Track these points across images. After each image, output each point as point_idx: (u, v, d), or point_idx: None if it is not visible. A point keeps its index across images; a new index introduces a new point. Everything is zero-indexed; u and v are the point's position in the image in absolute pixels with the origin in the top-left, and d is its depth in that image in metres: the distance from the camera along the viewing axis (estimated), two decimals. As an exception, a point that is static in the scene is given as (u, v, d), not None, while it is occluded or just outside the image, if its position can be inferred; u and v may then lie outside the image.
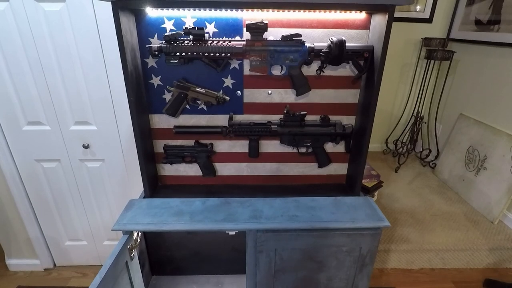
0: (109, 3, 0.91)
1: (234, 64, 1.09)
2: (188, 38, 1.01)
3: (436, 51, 2.41)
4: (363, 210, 1.07)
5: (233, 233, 1.25)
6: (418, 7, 2.65)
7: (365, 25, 1.07)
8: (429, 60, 2.53)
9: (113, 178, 1.63)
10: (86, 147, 1.53)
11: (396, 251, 1.85)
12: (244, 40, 1.03)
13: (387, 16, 0.93)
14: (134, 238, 1.03)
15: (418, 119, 2.69)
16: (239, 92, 1.14)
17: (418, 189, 2.45)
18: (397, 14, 2.61)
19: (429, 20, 2.67)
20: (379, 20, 0.99)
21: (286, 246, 1.03)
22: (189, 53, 1.01)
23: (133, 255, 1.02)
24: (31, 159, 1.56)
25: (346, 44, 1.02)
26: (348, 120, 1.21)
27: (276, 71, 1.10)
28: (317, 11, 1.03)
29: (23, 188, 1.63)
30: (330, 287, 1.13)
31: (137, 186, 1.63)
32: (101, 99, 1.44)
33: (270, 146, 1.24)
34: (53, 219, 1.73)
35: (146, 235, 1.24)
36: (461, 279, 1.80)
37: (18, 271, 1.86)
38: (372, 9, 1.01)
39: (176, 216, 1.03)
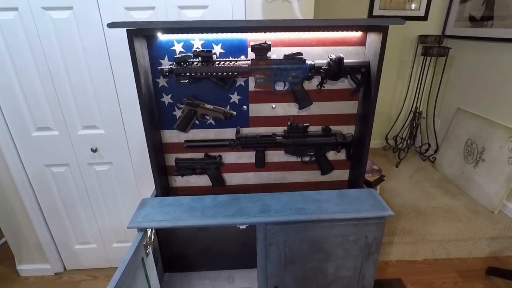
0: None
1: (240, 81, 1.16)
2: (197, 60, 1.08)
3: (432, 48, 2.46)
4: (367, 201, 1.11)
5: (243, 227, 1.28)
6: (413, 5, 2.71)
7: (362, 42, 1.13)
8: (425, 57, 2.59)
9: (121, 180, 1.66)
10: (94, 150, 1.56)
11: (399, 243, 1.89)
12: (249, 60, 1.10)
13: (381, 35, 1.00)
14: (148, 236, 1.06)
15: (417, 114, 2.74)
16: (245, 107, 1.20)
17: (419, 183, 2.49)
18: (393, 13, 2.69)
19: (424, 18, 2.73)
20: (374, 38, 1.06)
21: (295, 238, 1.07)
22: (198, 73, 1.08)
23: (148, 251, 1.06)
24: (40, 164, 1.59)
25: (344, 61, 1.09)
26: (348, 130, 1.27)
27: (280, 87, 1.16)
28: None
29: (33, 193, 1.66)
30: (338, 276, 1.17)
31: (145, 188, 1.67)
32: (108, 103, 1.47)
33: (275, 156, 1.30)
34: (62, 223, 1.76)
35: (158, 233, 1.27)
36: (464, 268, 1.84)
37: (29, 276, 1.88)
38: (367, 30, 1.09)
39: (188, 213, 1.06)
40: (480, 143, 2.26)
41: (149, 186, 1.21)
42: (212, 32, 1.06)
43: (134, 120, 1.50)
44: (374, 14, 2.70)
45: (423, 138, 2.96)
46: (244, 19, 1.33)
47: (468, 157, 2.36)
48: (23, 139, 1.53)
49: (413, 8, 2.72)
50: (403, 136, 2.88)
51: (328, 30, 1.07)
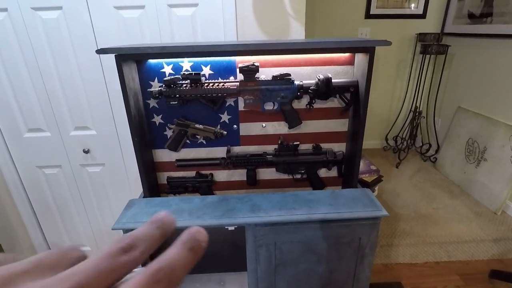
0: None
1: (230, 101, 1.16)
2: (186, 82, 1.08)
3: (431, 46, 2.43)
4: (361, 201, 1.07)
5: (232, 228, 1.25)
6: (412, 5, 2.68)
7: (350, 61, 1.12)
8: (424, 55, 2.55)
9: (114, 182, 1.65)
10: (86, 152, 1.55)
11: (400, 245, 1.85)
12: (237, 81, 1.09)
13: (368, 55, 0.99)
14: (134, 237, 1.04)
15: (417, 114, 2.69)
16: (235, 126, 1.19)
17: (419, 183, 2.44)
18: (391, 11, 2.66)
19: (422, 16, 2.70)
20: (362, 58, 1.05)
21: (285, 239, 1.04)
22: (187, 95, 1.08)
23: (134, 253, 1.03)
24: (32, 166, 1.58)
25: (333, 80, 1.09)
26: (339, 147, 1.26)
27: (269, 106, 1.16)
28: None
29: (26, 195, 1.65)
30: (332, 280, 1.13)
31: (138, 189, 1.63)
32: (100, 104, 1.46)
33: (266, 173, 1.29)
34: (56, 226, 1.74)
35: (147, 235, 1.24)
36: (466, 271, 1.79)
37: (23, 279, 1.87)
38: (354, 51, 1.08)
39: (176, 214, 1.03)
40: (481, 142, 2.21)
41: (141, 188, 1.19)
42: (200, 56, 1.06)
43: (127, 121, 1.47)
44: (371, 12, 2.67)
45: (423, 138, 2.91)
46: (234, 16, 1.31)
47: (470, 156, 2.30)
48: (15, 140, 1.52)
49: (411, 6, 2.68)
50: (403, 136, 2.83)
51: (314, 53, 1.08)
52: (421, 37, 2.57)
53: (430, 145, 2.79)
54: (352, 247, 1.07)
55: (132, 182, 1.64)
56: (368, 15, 2.69)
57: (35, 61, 1.36)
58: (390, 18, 2.70)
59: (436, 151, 2.74)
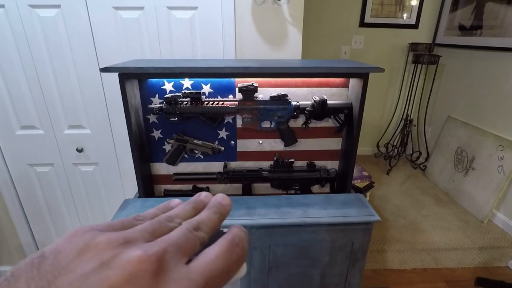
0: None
1: (228, 119, 1.19)
2: (187, 100, 1.11)
3: (423, 56, 2.49)
4: (354, 206, 1.09)
5: (226, 230, 1.26)
6: (404, 14, 2.75)
7: (345, 84, 1.17)
8: (416, 65, 2.61)
9: (106, 181, 1.63)
10: (79, 150, 1.53)
11: (389, 251, 1.88)
12: (236, 100, 1.13)
13: (362, 81, 1.04)
14: (128, 238, 1.03)
15: (408, 122, 2.75)
16: (232, 142, 1.23)
17: (409, 190, 2.49)
18: (385, 21, 2.72)
19: (415, 26, 2.77)
20: (356, 82, 1.10)
21: (279, 242, 1.05)
22: (187, 113, 1.11)
23: (128, 254, 1.03)
24: (24, 163, 1.55)
25: (328, 102, 1.13)
26: (332, 165, 1.30)
27: (266, 125, 1.20)
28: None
29: (16, 193, 1.62)
30: (323, 284, 1.14)
31: (131, 190, 1.63)
32: (95, 103, 1.45)
33: (262, 188, 1.32)
34: (45, 225, 1.71)
35: (140, 236, 1.24)
36: (453, 278, 1.82)
37: (8, 279, 1.83)
38: (349, 77, 1.14)
39: (170, 215, 1.04)
40: (470, 152, 2.27)
41: (134, 188, 1.19)
42: (201, 77, 1.09)
43: (121, 121, 1.47)
44: (365, 21, 2.73)
45: (414, 145, 2.97)
46: (233, 20, 1.33)
47: (458, 165, 2.36)
48: (7, 137, 1.49)
49: (404, 16, 2.75)
50: (394, 144, 2.88)
51: (312, 77, 1.12)
52: (413, 46, 2.64)
53: (420, 153, 2.85)
54: (345, 251, 1.09)
55: (125, 182, 1.63)
56: (362, 24, 2.75)
57: (30, 59, 1.35)
58: (383, 27, 2.76)
59: (426, 159, 2.80)
